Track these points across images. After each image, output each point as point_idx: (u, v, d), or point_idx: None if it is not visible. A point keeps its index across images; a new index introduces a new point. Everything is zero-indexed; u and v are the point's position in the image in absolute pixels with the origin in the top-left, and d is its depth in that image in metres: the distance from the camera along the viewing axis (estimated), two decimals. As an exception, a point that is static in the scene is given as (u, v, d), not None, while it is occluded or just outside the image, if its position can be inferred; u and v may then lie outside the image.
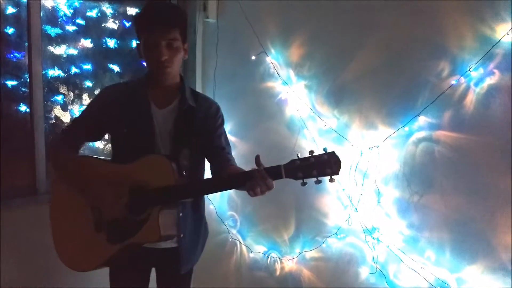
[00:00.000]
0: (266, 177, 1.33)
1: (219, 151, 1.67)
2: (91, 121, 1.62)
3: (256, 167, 1.36)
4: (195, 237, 1.71)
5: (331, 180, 1.32)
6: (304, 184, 1.34)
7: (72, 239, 1.56)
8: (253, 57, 2.54)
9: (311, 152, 1.33)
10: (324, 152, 1.32)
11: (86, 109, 1.69)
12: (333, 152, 1.32)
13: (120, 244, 1.48)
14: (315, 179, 1.33)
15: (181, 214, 1.57)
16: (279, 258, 2.54)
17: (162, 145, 1.57)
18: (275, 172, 1.34)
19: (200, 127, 1.62)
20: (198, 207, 1.71)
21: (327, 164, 1.30)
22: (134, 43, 2.62)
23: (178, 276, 1.70)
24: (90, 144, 2.29)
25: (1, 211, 1.97)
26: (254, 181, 1.33)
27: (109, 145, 2.47)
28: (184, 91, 1.62)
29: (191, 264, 1.73)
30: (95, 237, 1.51)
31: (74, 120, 1.73)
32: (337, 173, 1.32)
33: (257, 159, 1.37)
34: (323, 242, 2.34)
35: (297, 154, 1.35)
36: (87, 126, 1.63)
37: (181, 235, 1.60)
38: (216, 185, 1.53)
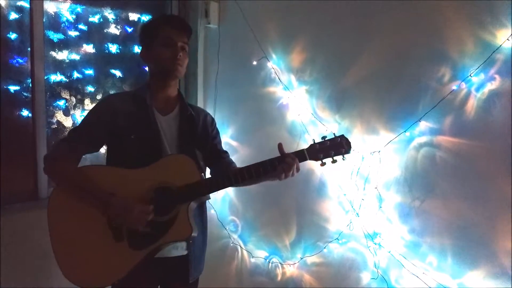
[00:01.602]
0: (296, 160, 1.50)
1: (221, 155, 1.77)
2: (94, 130, 1.59)
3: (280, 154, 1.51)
4: (202, 244, 1.72)
5: (344, 159, 1.54)
6: (323, 164, 1.54)
7: (86, 254, 1.50)
8: (255, 63, 2.55)
9: (324, 137, 1.54)
10: (336, 136, 1.54)
11: (87, 118, 1.63)
12: (343, 135, 1.54)
13: (147, 248, 1.46)
14: (331, 159, 1.53)
15: None
16: (280, 263, 2.53)
17: (169, 148, 1.61)
18: (301, 155, 1.52)
19: (201, 133, 1.71)
20: (202, 213, 1.72)
21: (341, 145, 1.53)
22: (136, 49, 2.64)
23: None
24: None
25: (2, 216, 1.98)
26: (287, 164, 1.48)
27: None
28: (183, 101, 1.70)
29: (199, 271, 1.73)
30: (115, 247, 1.47)
31: (73, 131, 1.63)
32: (349, 152, 1.54)
33: (280, 146, 1.53)
34: (325, 247, 2.34)
35: (313, 140, 1.55)
36: (89, 135, 1.59)
37: (195, 238, 1.60)
38: (246, 174, 1.51)
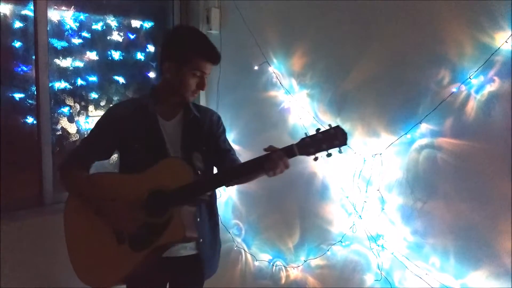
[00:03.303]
0: (283, 156, 1.43)
1: (226, 153, 1.79)
2: (103, 139, 1.65)
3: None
4: (213, 243, 1.76)
5: (340, 152, 1.43)
6: (316, 159, 1.44)
7: (93, 255, 1.58)
8: (256, 67, 2.57)
9: (318, 129, 1.44)
10: (330, 127, 1.42)
11: (95, 128, 1.69)
12: (338, 126, 1.42)
13: (146, 250, 1.50)
14: (325, 152, 1.42)
15: (198, 219, 1.63)
16: (284, 266, 2.54)
17: (174, 153, 1.64)
18: (290, 151, 1.44)
19: (206, 133, 1.73)
20: (214, 213, 1.75)
21: (335, 137, 1.41)
22: (139, 55, 2.66)
23: None
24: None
25: (8, 222, 2.00)
26: (273, 162, 1.43)
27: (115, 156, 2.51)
28: (187, 105, 1.71)
29: (212, 271, 1.77)
30: (118, 249, 1.54)
31: (84, 140, 1.73)
32: (345, 143, 1.41)
33: (271, 146, 1.50)
34: (328, 250, 2.35)
35: (305, 133, 1.46)
36: (98, 145, 1.66)
37: (201, 240, 1.64)
38: (234, 173, 1.58)
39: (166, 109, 1.67)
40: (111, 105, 1.86)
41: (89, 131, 1.76)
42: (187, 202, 1.53)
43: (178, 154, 1.64)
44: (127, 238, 1.53)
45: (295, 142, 1.46)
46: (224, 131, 1.83)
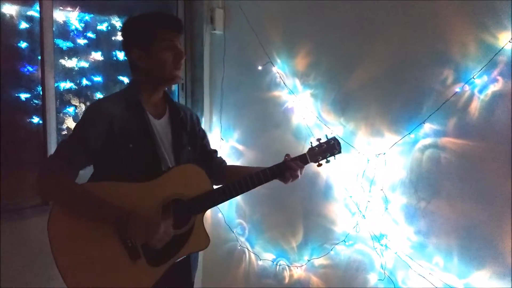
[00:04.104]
0: (302, 166, 1.63)
1: (212, 154, 1.79)
2: (91, 140, 1.43)
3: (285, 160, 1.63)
4: None
5: (335, 158, 1.68)
6: (319, 165, 1.68)
7: (101, 277, 1.37)
8: (260, 67, 2.58)
9: (319, 139, 1.67)
10: (329, 138, 1.69)
11: (81, 129, 1.46)
12: (334, 137, 1.70)
13: (166, 263, 1.44)
14: (325, 160, 1.67)
15: None
16: (288, 266, 2.55)
17: (167, 154, 1.55)
18: (304, 159, 1.65)
19: (191, 133, 1.68)
20: None
21: (334, 147, 1.67)
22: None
23: None
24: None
25: (14, 221, 2.01)
26: (294, 171, 1.60)
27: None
28: (170, 101, 1.64)
29: (195, 270, 1.72)
30: (134, 266, 1.39)
31: (69, 144, 1.45)
32: (340, 152, 1.68)
33: (288, 155, 1.66)
34: (332, 249, 2.36)
35: (310, 143, 1.69)
36: (87, 147, 1.43)
37: None
38: (256, 180, 1.58)
39: (153, 107, 1.57)
40: (92, 102, 1.67)
41: (71, 133, 1.48)
42: (209, 208, 1.53)
43: (170, 155, 1.55)
44: (142, 252, 1.40)
45: (304, 147, 1.60)
46: (204, 131, 1.80)
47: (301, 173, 1.63)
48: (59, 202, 1.39)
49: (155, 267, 1.42)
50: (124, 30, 1.57)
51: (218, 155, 1.83)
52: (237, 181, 1.56)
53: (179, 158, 1.57)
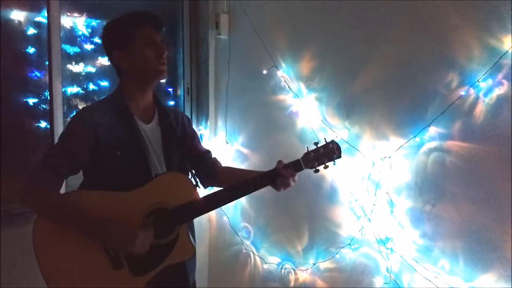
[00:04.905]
0: (294, 173, 1.52)
1: (205, 155, 1.74)
2: (76, 151, 1.42)
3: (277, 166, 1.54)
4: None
5: (334, 164, 1.57)
6: (317, 171, 1.56)
7: (83, 286, 1.39)
8: (264, 71, 2.59)
9: (316, 143, 1.56)
10: (327, 142, 1.56)
11: (65, 140, 1.46)
12: (333, 141, 1.57)
13: (150, 272, 1.42)
14: (323, 165, 1.55)
15: None
16: (293, 269, 2.55)
17: (157, 160, 1.54)
18: (298, 166, 1.53)
19: (181, 136, 1.66)
20: None
21: (333, 151, 1.55)
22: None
23: None
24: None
25: (19, 225, 2.03)
26: (285, 179, 1.50)
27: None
28: (160, 105, 1.63)
29: (194, 273, 1.69)
30: (115, 276, 1.39)
31: (53, 155, 1.44)
32: (340, 157, 1.56)
33: (280, 161, 1.55)
34: (337, 253, 2.36)
35: (306, 147, 1.57)
36: (72, 158, 1.42)
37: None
38: (244, 189, 1.50)
39: (141, 111, 1.55)
40: (79, 109, 1.68)
41: (56, 143, 1.50)
42: (194, 218, 1.49)
43: (161, 160, 1.53)
44: (126, 262, 1.40)
45: (299, 156, 1.55)
46: (195, 132, 1.76)
47: (294, 181, 1.52)
48: (42, 215, 1.39)
49: (138, 277, 1.41)
50: (103, 34, 1.56)
51: (212, 156, 1.76)
52: (225, 189, 1.53)
53: (170, 163, 1.55)
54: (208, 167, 1.71)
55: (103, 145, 1.43)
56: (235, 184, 1.52)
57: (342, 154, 1.57)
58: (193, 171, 1.69)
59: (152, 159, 1.51)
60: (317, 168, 1.55)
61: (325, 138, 1.58)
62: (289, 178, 1.50)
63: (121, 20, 1.52)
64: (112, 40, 1.51)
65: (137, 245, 1.34)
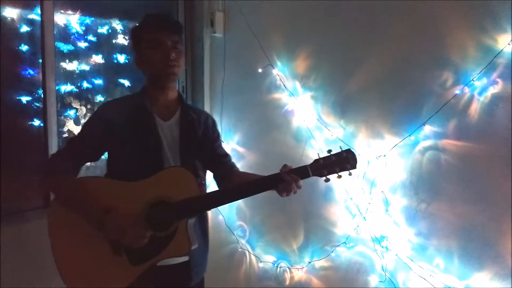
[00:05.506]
0: (297, 179, 1.44)
1: (223, 159, 1.74)
2: (93, 140, 1.53)
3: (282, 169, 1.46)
4: (204, 249, 1.68)
5: (350, 174, 1.47)
6: (327, 180, 1.47)
7: (86, 266, 1.47)
8: (260, 70, 2.59)
9: (330, 151, 1.46)
10: (342, 150, 1.46)
11: (85, 128, 1.58)
12: (349, 149, 1.47)
13: (145, 263, 1.44)
14: (336, 174, 1.46)
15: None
16: (289, 268, 2.56)
17: (172, 158, 1.56)
18: (303, 172, 1.46)
19: (202, 137, 1.66)
20: (204, 217, 1.68)
21: (346, 160, 1.45)
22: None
23: None
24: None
25: (14, 223, 2.02)
26: (287, 184, 1.44)
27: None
28: (183, 103, 1.65)
29: (201, 274, 1.70)
30: (114, 261, 1.44)
31: (72, 141, 1.57)
32: (355, 167, 1.46)
33: (285, 165, 1.48)
34: (332, 251, 2.36)
35: (318, 154, 1.48)
36: (88, 146, 1.53)
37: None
38: (245, 190, 1.50)
39: (162, 108, 1.59)
40: (102, 103, 1.77)
41: (78, 132, 1.62)
42: (193, 216, 1.49)
43: (176, 158, 1.56)
44: (124, 250, 1.44)
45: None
46: (219, 135, 1.76)
47: (298, 187, 1.45)
48: (57, 196, 1.52)
49: (134, 266, 1.44)
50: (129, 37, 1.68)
51: (230, 160, 1.77)
52: (226, 189, 1.54)
53: (184, 160, 1.57)
54: (224, 171, 1.72)
55: (119, 137, 1.50)
56: (237, 185, 1.53)
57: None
58: (213, 173, 1.73)
59: (165, 154, 1.54)
60: (328, 177, 1.46)
61: (340, 146, 1.48)
62: (291, 183, 1.43)
63: (138, 23, 1.61)
64: (130, 43, 1.60)
65: (128, 241, 1.39)
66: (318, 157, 1.47)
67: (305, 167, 1.46)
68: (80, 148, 1.53)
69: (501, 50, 1.81)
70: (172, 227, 1.44)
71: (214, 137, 1.72)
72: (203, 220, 1.68)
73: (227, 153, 1.78)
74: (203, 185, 1.65)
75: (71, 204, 1.47)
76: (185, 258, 1.57)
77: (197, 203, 1.46)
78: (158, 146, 1.54)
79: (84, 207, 1.44)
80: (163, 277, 1.54)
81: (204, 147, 1.66)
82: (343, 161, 1.45)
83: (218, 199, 1.52)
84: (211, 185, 1.80)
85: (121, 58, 2.60)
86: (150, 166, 1.49)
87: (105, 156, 1.62)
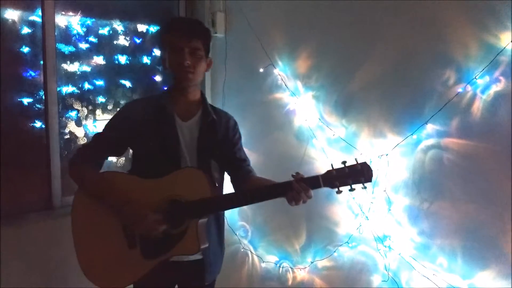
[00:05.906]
0: (307, 189, 1.42)
1: (241, 163, 1.74)
2: (115, 136, 1.61)
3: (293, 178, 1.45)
4: (218, 248, 1.73)
5: (365, 187, 1.42)
6: (339, 192, 1.42)
7: (102, 256, 1.54)
8: (261, 70, 2.59)
9: (344, 162, 1.42)
10: (357, 163, 1.42)
11: (109, 124, 1.65)
12: (365, 162, 1.42)
13: (157, 258, 1.49)
14: (349, 187, 1.42)
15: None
16: (291, 268, 2.55)
17: (189, 157, 1.60)
18: (314, 183, 1.43)
19: (222, 139, 1.68)
20: (219, 216, 1.72)
21: (361, 173, 1.40)
22: (145, 59, 2.69)
23: None
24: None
25: (17, 225, 2.02)
26: (296, 193, 1.42)
27: (122, 159, 2.54)
28: (205, 105, 1.68)
29: (214, 275, 1.74)
30: (128, 254, 1.51)
31: (97, 136, 1.66)
32: (370, 180, 1.41)
33: (297, 173, 1.46)
34: (335, 251, 2.36)
35: (331, 165, 1.43)
36: (111, 141, 1.62)
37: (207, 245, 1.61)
38: (255, 196, 1.51)
39: (183, 108, 1.63)
40: (127, 102, 1.84)
41: (103, 127, 1.69)
42: (204, 216, 1.52)
43: (193, 158, 1.60)
44: (139, 243, 1.50)
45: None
46: (240, 138, 1.76)
47: (307, 197, 1.43)
48: (81, 187, 1.60)
49: (146, 260, 1.49)
50: None
51: (249, 165, 1.77)
52: (237, 193, 1.59)
53: (201, 161, 1.60)
54: (241, 175, 1.73)
55: (140, 135, 1.58)
56: (248, 190, 1.55)
57: (342, 154, 1.46)
58: (230, 175, 1.75)
59: (183, 154, 1.59)
60: (340, 189, 1.41)
61: (356, 159, 1.43)
62: (300, 192, 1.41)
63: (165, 26, 1.68)
64: (160, 45, 1.69)
65: (146, 226, 1.45)
66: (331, 168, 1.43)
67: (316, 177, 1.43)
68: (103, 143, 1.62)
69: (504, 48, 1.80)
70: (183, 226, 1.48)
71: (234, 140, 1.73)
72: (220, 221, 1.72)
73: (246, 158, 1.78)
74: (217, 187, 1.67)
75: (96, 193, 1.56)
76: (198, 256, 1.62)
77: (207, 204, 1.49)
78: (176, 145, 1.59)
79: (108, 196, 1.52)
80: (177, 273, 1.62)
81: (222, 149, 1.68)
82: (357, 173, 1.40)
83: (228, 202, 1.54)
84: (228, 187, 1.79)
85: (122, 59, 2.60)
86: (168, 164, 1.55)
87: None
